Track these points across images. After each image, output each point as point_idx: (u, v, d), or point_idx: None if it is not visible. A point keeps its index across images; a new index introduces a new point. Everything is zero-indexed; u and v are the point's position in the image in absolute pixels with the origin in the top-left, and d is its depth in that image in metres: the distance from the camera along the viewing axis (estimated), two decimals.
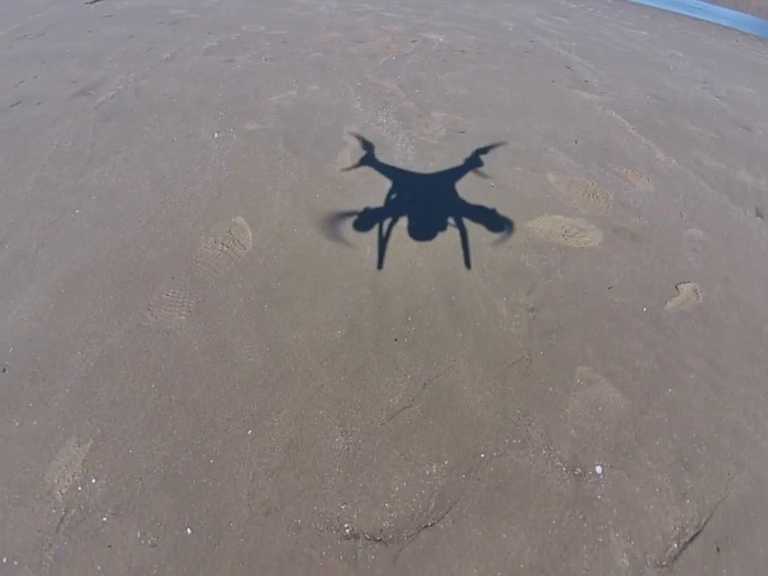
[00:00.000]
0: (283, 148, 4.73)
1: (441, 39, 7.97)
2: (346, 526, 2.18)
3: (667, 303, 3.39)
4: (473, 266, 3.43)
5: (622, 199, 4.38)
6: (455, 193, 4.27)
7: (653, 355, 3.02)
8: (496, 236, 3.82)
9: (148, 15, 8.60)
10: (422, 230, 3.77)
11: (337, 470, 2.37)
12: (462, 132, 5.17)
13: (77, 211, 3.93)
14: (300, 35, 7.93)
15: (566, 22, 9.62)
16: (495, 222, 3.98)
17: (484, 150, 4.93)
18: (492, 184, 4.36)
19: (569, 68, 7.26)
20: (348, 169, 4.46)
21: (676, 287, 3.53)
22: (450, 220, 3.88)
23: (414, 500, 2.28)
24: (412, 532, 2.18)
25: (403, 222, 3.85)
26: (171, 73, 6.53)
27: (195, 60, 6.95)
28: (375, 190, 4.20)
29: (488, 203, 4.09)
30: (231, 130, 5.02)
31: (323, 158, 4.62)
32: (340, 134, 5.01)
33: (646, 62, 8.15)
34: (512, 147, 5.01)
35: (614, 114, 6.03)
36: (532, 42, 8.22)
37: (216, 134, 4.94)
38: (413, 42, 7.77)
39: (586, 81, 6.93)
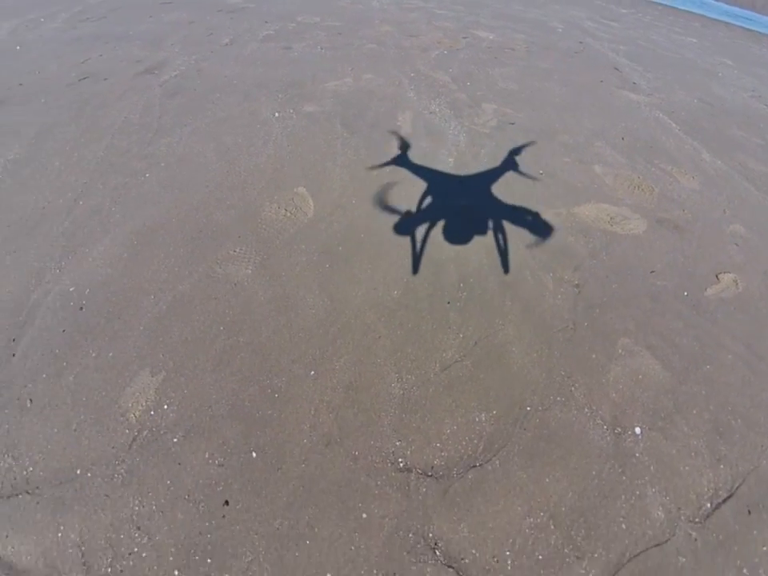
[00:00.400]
0: (341, 129, 4.96)
1: (491, 37, 8.12)
2: (399, 460, 2.38)
3: (707, 290, 3.50)
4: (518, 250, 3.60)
5: (667, 193, 4.49)
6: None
7: (692, 334, 3.15)
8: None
9: (206, 3, 8.93)
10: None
11: (393, 411, 2.56)
12: (512, 123, 5.32)
13: (146, 175, 4.20)
14: (354, 27, 8.15)
15: (616, 26, 9.68)
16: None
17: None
18: (541, 171, 4.51)
19: (617, 69, 7.34)
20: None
21: (716, 276, 3.64)
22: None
23: (464, 443, 2.46)
24: (461, 470, 2.36)
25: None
26: (231, 57, 6.81)
27: (254, 46, 7.22)
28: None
29: (535, 190, 4.24)
30: (291, 111, 5.26)
31: (379, 139, 4.83)
32: (395, 119, 5.21)
33: (695, 68, 8.18)
34: (560, 140, 5.14)
35: (660, 114, 6.12)
36: (581, 43, 8.32)
37: (276, 114, 5.19)
38: (464, 38, 7.94)
39: (634, 83, 7.01)
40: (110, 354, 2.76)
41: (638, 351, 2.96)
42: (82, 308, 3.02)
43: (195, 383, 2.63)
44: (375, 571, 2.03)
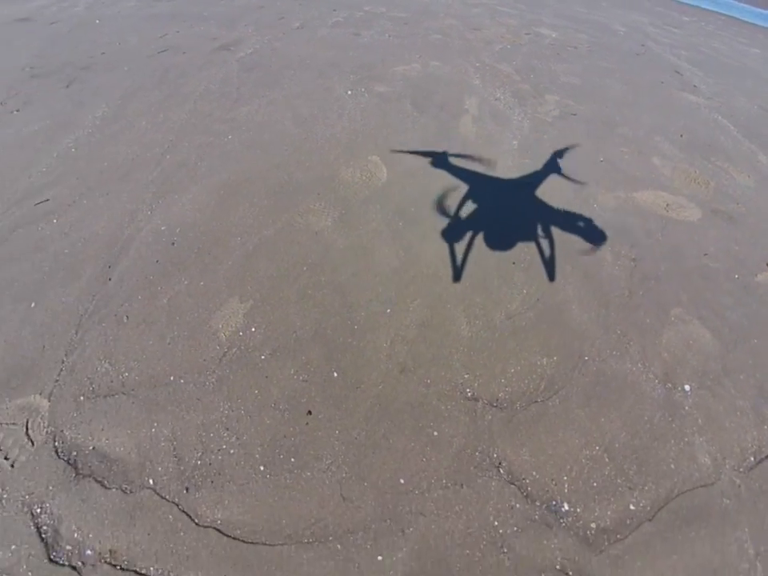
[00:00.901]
0: (411, 108, 5.23)
1: (553, 35, 8.29)
2: (468, 390, 2.64)
3: (758, 276, 3.66)
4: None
5: (722, 188, 4.63)
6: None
7: (741, 311, 3.32)
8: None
9: None
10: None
11: (461, 348, 2.82)
12: (574, 114, 5.51)
13: (229, 137, 4.55)
14: (419, 19, 8.42)
15: (678, 33, 9.72)
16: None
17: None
18: (601, 159, 4.70)
19: (678, 73, 7.44)
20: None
21: (767, 264, 3.79)
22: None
23: (527, 381, 2.71)
24: (524, 404, 2.61)
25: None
26: (302, 39, 7.15)
27: (324, 31, 7.55)
28: (492, 149, 4.64)
29: (596, 174, 4.43)
30: (363, 90, 5.55)
31: (447, 120, 5.09)
32: (462, 102, 5.46)
33: (758, 77, 8.18)
34: (620, 132, 5.31)
35: (719, 117, 6.21)
36: (642, 46, 8.41)
37: (349, 92, 5.49)
38: (526, 34, 8.13)
39: (695, 86, 7.10)
40: (201, 283, 3.08)
41: (690, 320, 3.15)
42: (173, 243, 3.35)
43: (280, 311, 2.93)
44: (444, 481, 2.29)
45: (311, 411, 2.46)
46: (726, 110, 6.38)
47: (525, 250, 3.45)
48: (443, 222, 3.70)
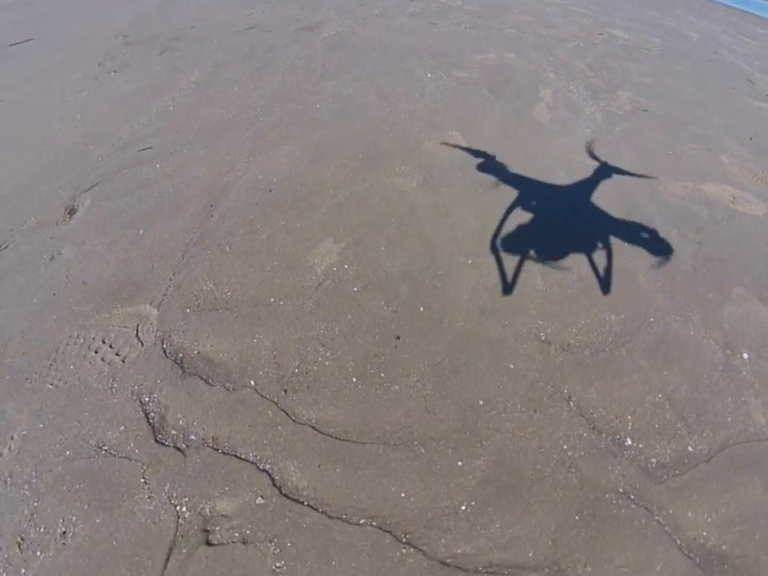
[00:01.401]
0: (488, 93, 5.51)
1: (626, 36, 8.41)
2: (541, 334, 2.92)
3: None
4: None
5: None
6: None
7: None
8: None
9: None
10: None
11: (537, 299, 3.10)
12: (645, 111, 5.69)
13: (317, 106, 4.91)
14: (493, 13, 8.66)
15: (752, 43, 9.68)
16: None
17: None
18: (671, 152, 4.89)
19: (750, 81, 7.48)
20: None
21: None
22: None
23: (596, 333, 2.97)
24: (593, 352, 2.87)
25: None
26: (382, 26, 7.49)
27: (402, 20, 7.87)
28: (566, 135, 4.88)
29: (665, 166, 4.61)
30: (442, 74, 5.85)
31: (522, 105, 5.34)
32: (536, 92, 5.70)
33: None
34: (690, 130, 5.46)
35: None
36: (715, 53, 8.45)
37: (429, 74, 5.80)
38: (599, 34, 8.28)
39: (767, 94, 7.15)
40: (298, 224, 3.44)
41: (750, 299, 3.34)
42: (270, 190, 3.73)
43: (371, 253, 3.26)
44: (519, 406, 2.58)
45: (399, 337, 2.78)
46: None
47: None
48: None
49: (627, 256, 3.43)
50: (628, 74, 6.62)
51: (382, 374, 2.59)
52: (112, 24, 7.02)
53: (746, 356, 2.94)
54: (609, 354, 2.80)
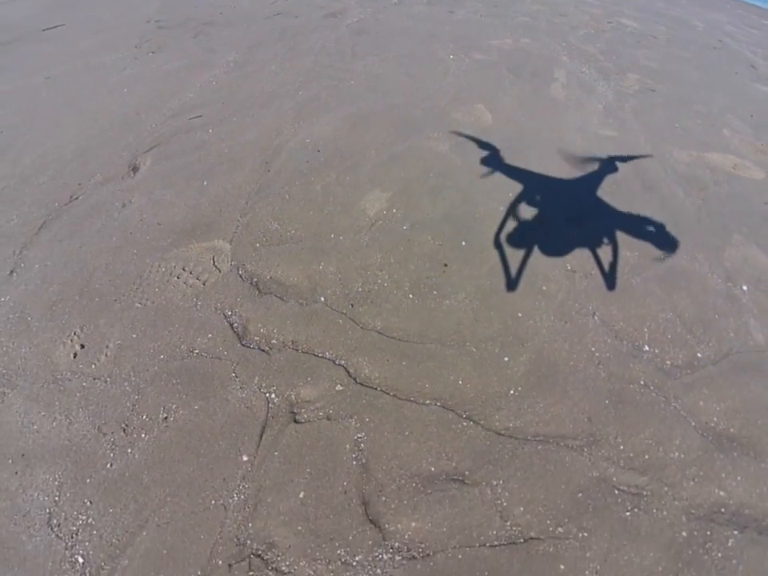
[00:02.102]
0: (507, 72, 6.03)
1: (634, 24, 8.94)
2: (567, 265, 3.42)
3: None
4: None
5: None
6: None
7: None
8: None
9: None
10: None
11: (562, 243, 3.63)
12: (653, 90, 6.21)
13: (351, 82, 5.44)
14: (507, 2, 9.19)
15: (756, 33, 10.20)
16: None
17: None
18: (676, 125, 5.42)
19: (753, 67, 8.00)
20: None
21: None
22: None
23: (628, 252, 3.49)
24: None
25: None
26: (402, 13, 8.03)
27: (420, 8, 8.41)
28: (581, 110, 5.42)
29: (672, 136, 5.13)
30: (463, 56, 6.38)
31: (539, 84, 5.87)
32: (551, 72, 6.22)
33: None
34: (694, 108, 5.98)
35: None
36: (720, 41, 8.97)
37: (451, 56, 6.33)
38: (608, 23, 8.81)
39: None
40: (347, 178, 3.95)
41: (748, 244, 3.85)
42: (318, 150, 4.24)
43: (415, 201, 3.77)
44: (552, 317, 3.09)
45: (446, 264, 3.30)
46: None
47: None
48: (543, 152, 4.44)
49: (636, 207, 3.93)
50: (636, 59, 7.14)
51: (435, 292, 3.11)
52: (140, 10, 7.55)
53: (745, 288, 3.45)
54: (625, 280, 3.32)
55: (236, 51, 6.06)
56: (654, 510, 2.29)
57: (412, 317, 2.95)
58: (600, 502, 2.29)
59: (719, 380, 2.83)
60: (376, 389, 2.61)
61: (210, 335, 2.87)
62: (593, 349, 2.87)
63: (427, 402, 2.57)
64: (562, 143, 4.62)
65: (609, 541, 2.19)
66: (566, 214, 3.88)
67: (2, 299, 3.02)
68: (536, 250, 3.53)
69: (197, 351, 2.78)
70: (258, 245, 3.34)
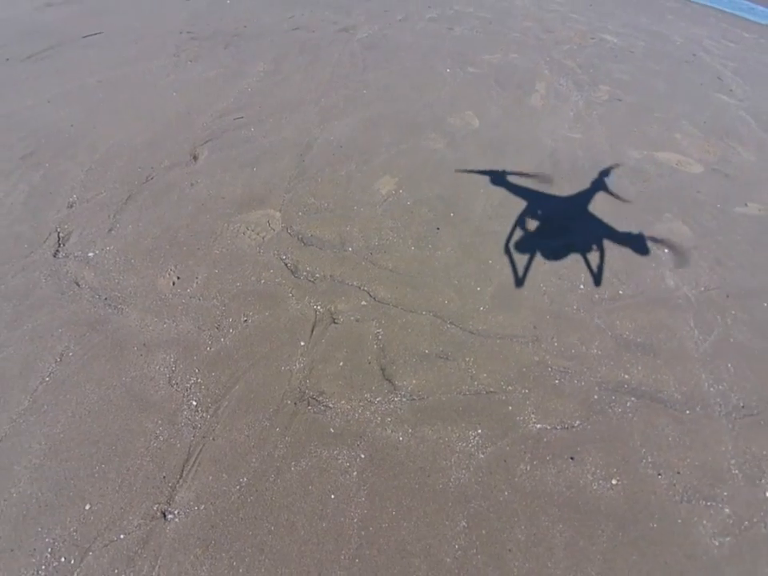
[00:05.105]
0: (494, 84, 7.56)
1: (615, 40, 10.53)
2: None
3: (736, 208, 5.84)
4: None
5: (727, 157, 6.74)
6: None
7: (714, 223, 5.43)
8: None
9: None
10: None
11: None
12: (620, 100, 7.72)
13: (364, 91, 6.95)
14: (501, 19, 10.78)
15: (733, 46, 11.74)
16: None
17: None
18: (634, 129, 6.99)
19: (719, 78, 9.53)
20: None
21: (746, 204, 6.00)
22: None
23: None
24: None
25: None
26: (406, 29, 9.57)
27: (422, 24, 9.98)
28: (553, 116, 7.01)
29: (629, 139, 6.68)
30: (458, 69, 7.94)
31: (521, 95, 7.38)
32: (533, 84, 7.72)
33: None
34: (654, 115, 7.47)
35: (744, 114, 8.27)
36: (693, 55, 10.55)
37: (448, 70, 7.88)
38: (591, 38, 10.40)
39: (731, 90, 9.15)
40: (364, 167, 5.40)
41: (675, 221, 5.35)
42: (341, 146, 5.70)
43: (417, 184, 5.20)
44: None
45: (439, 228, 4.79)
46: (752, 110, 8.41)
47: (569, 168, 5.80)
48: (522, 145, 5.98)
49: (587, 194, 5.49)
50: (610, 72, 8.70)
51: (430, 246, 4.59)
52: (170, 21, 8.91)
53: (666, 251, 4.99)
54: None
55: (264, 62, 7.56)
56: (575, 381, 3.70)
57: (413, 261, 4.42)
58: (538, 373, 3.72)
59: (633, 308, 4.26)
60: (389, 304, 4.07)
61: (271, 271, 4.26)
62: (541, 285, 4.38)
63: (423, 312, 4.04)
64: (535, 143, 6.15)
65: (542, 396, 3.60)
66: (537, 199, 5.35)
67: (108, 248, 4.39)
68: (509, 221, 4.96)
69: (263, 281, 4.17)
70: (300, 213, 4.82)
